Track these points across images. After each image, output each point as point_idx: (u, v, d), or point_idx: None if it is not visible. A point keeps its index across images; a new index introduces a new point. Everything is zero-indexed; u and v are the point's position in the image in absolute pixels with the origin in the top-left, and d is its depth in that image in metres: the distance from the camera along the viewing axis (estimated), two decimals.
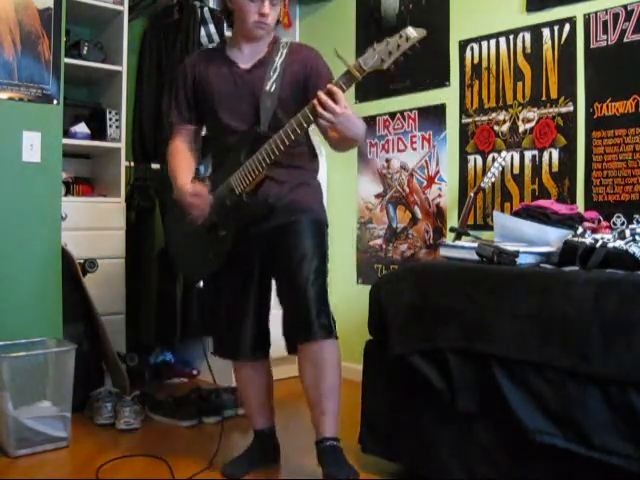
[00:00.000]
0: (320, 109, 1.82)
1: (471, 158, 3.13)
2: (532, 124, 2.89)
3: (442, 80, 3.22)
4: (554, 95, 2.82)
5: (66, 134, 2.97)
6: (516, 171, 2.95)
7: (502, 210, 2.95)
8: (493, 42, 3.03)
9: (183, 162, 2.18)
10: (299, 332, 2.03)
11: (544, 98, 2.85)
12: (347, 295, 3.45)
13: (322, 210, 2.20)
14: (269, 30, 2.07)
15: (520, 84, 2.93)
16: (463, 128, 3.16)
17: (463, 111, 3.15)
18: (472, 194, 2.92)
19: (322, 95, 1.82)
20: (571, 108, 2.76)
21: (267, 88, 2.05)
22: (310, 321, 1.99)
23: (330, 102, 1.81)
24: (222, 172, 2.10)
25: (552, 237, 2.20)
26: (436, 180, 3.28)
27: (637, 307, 1.62)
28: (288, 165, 2.09)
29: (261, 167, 1.98)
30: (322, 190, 2.28)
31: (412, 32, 1.73)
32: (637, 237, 1.94)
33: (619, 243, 1.91)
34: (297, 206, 2.09)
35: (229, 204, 2.05)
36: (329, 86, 1.83)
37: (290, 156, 2.05)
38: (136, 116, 3.53)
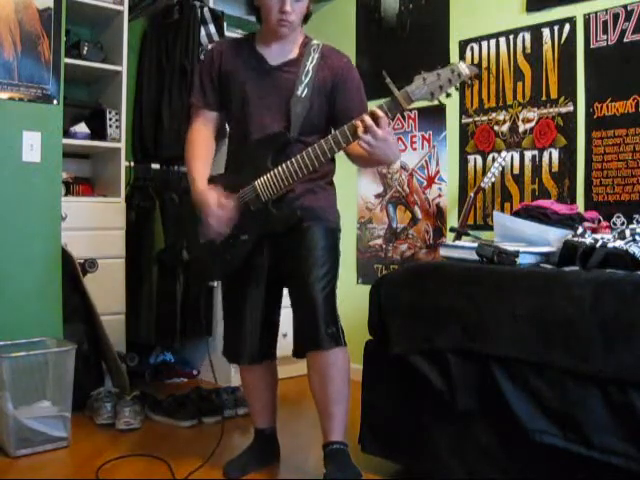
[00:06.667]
0: (361, 131, 1.79)
1: (471, 158, 3.13)
2: (532, 124, 2.89)
3: None
4: (554, 95, 2.82)
5: (66, 134, 2.96)
6: (516, 171, 2.95)
7: (502, 210, 2.95)
8: (493, 42, 3.03)
9: (201, 151, 2.13)
10: (307, 340, 2.03)
11: (544, 98, 2.85)
12: (347, 295, 3.43)
13: (335, 215, 2.16)
14: (293, 28, 2.01)
15: (520, 84, 2.93)
16: (463, 128, 3.16)
17: (463, 111, 3.15)
18: (472, 194, 2.92)
19: (367, 119, 1.79)
20: (571, 108, 2.76)
21: (299, 93, 2.01)
22: (318, 331, 1.97)
23: (374, 126, 1.78)
24: (243, 173, 2.03)
25: (552, 237, 2.20)
26: (436, 180, 3.28)
27: (637, 307, 1.62)
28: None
29: (292, 179, 1.94)
30: (336, 193, 2.21)
31: (464, 68, 1.71)
32: (637, 237, 1.95)
33: (619, 243, 1.91)
34: (310, 212, 2.04)
35: (253, 210, 2.00)
36: (374, 109, 1.80)
37: None
38: (136, 116, 3.53)
